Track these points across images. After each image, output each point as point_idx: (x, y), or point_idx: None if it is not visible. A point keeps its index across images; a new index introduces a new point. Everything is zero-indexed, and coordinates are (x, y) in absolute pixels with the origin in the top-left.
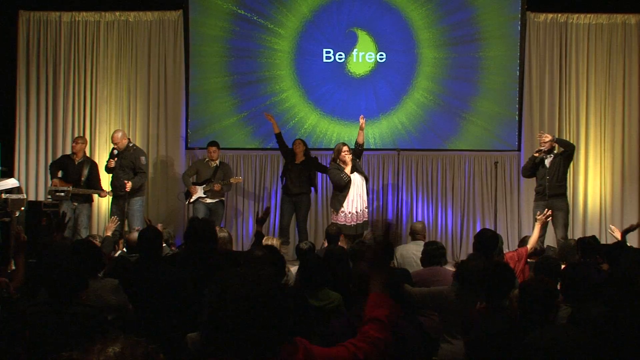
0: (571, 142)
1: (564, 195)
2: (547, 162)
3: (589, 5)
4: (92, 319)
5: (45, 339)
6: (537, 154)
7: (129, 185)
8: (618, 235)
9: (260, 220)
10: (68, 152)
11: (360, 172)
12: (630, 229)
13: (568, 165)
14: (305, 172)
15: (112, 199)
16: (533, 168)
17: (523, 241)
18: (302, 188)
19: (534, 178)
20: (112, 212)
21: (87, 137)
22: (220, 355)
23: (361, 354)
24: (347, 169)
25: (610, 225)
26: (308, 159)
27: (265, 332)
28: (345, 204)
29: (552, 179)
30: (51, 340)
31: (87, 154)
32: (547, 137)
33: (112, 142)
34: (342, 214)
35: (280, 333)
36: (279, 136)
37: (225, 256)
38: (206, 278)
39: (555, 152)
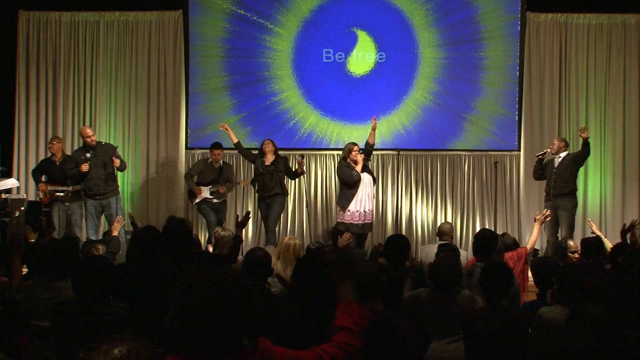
0: (589, 151)
1: (569, 195)
2: (556, 162)
3: (589, 5)
4: (120, 318)
5: (75, 336)
6: (540, 156)
7: (117, 162)
8: (596, 230)
9: (241, 224)
10: (68, 152)
11: (370, 173)
12: (630, 228)
13: (577, 168)
14: (277, 173)
15: (90, 200)
16: (540, 170)
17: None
18: (275, 189)
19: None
20: (89, 213)
21: None
22: (181, 351)
23: (328, 358)
24: (358, 168)
25: (589, 219)
26: (278, 158)
27: (225, 331)
28: (353, 203)
29: (557, 179)
30: (81, 338)
31: (58, 153)
32: (586, 133)
33: (86, 135)
34: (349, 213)
35: (240, 333)
36: (238, 145)
37: (200, 256)
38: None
39: (565, 153)
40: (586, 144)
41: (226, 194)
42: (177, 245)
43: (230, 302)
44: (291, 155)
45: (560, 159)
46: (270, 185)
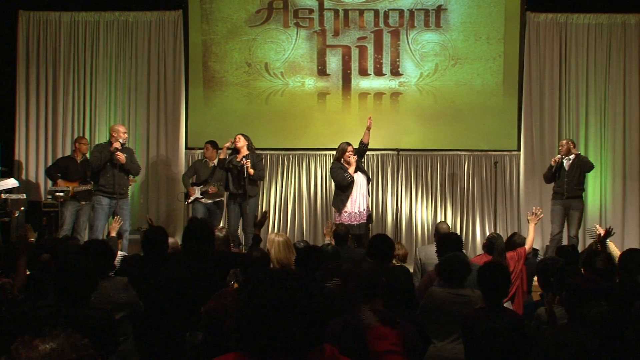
0: (590, 164)
1: (580, 196)
2: (566, 164)
3: (589, 5)
4: (100, 321)
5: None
6: (554, 163)
7: (122, 157)
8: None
9: (258, 224)
10: (68, 152)
11: (364, 172)
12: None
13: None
14: (245, 169)
15: (104, 199)
16: (553, 175)
17: (511, 238)
18: (246, 188)
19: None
20: (103, 212)
21: (87, 137)
22: (246, 350)
23: None
24: (351, 170)
25: (595, 225)
26: (250, 154)
27: (292, 335)
28: (348, 204)
29: (570, 181)
30: None
31: (87, 154)
32: (563, 149)
33: (121, 132)
34: (346, 214)
35: (307, 337)
36: (221, 161)
37: (221, 257)
38: (201, 277)
39: (573, 155)
40: (580, 157)
41: (218, 194)
42: (199, 245)
43: (294, 305)
44: (291, 155)
45: (570, 161)
46: (239, 182)
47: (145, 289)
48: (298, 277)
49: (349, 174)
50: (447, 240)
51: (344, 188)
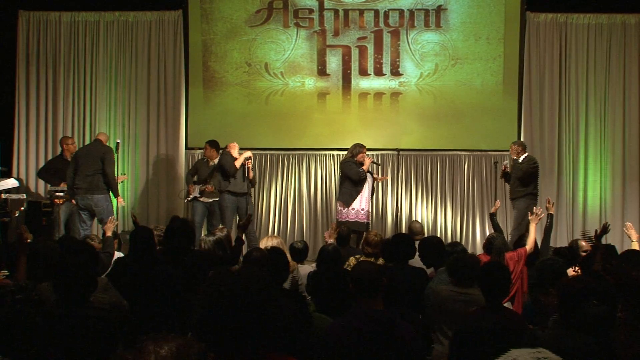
0: (523, 170)
1: (523, 197)
2: (515, 166)
3: (589, 5)
4: (102, 322)
5: (54, 342)
6: (503, 168)
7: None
8: (633, 235)
9: (242, 227)
10: None
11: (372, 177)
12: (603, 231)
13: (528, 174)
14: (243, 169)
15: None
16: (505, 176)
17: (520, 240)
18: (245, 187)
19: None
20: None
21: (87, 137)
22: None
23: None
24: (364, 168)
25: (627, 223)
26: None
27: (249, 336)
28: (357, 200)
29: (513, 184)
30: (60, 344)
31: None
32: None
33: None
34: (354, 211)
35: (264, 340)
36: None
37: (203, 256)
38: (181, 276)
39: (524, 156)
40: (517, 162)
41: (216, 193)
42: (179, 245)
43: (252, 307)
44: (291, 155)
45: (513, 165)
46: (241, 181)
47: (134, 289)
48: (260, 281)
49: (363, 170)
50: (429, 245)
51: (355, 183)
